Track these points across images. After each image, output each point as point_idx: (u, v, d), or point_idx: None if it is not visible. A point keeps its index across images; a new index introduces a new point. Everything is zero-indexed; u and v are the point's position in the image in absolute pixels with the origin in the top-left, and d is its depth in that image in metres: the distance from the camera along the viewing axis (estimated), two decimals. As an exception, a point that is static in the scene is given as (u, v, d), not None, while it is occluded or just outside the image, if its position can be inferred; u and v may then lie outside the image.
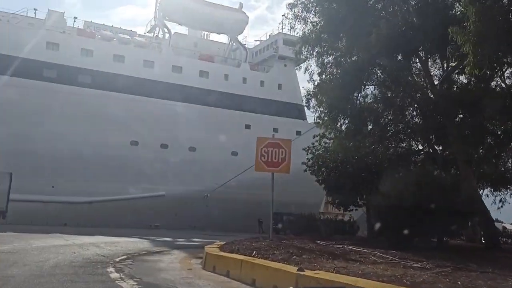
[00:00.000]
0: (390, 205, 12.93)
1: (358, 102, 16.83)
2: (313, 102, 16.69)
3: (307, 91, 18.40)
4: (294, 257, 7.45)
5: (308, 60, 16.97)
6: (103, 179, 34.81)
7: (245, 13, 46.30)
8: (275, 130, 43.48)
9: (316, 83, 16.52)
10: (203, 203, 37.89)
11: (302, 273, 5.36)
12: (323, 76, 16.31)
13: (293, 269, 5.90)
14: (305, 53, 17.13)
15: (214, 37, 48.82)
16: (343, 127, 16.53)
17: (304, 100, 18.31)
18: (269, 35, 47.49)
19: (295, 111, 45.10)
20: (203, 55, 42.46)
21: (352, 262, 7.40)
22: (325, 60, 16.91)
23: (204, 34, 48.56)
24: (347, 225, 24.07)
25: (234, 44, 46.39)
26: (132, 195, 35.29)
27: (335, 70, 16.54)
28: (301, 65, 17.72)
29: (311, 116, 47.90)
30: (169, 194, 36.88)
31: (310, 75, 16.63)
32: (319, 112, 16.58)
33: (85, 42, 37.04)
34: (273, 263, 6.75)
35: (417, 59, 16.57)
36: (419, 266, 7.11)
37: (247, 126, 41.99)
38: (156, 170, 36.58)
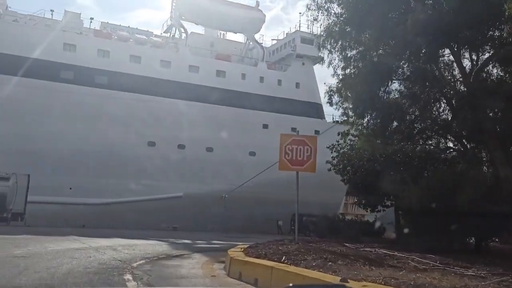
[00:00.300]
0: (423, 206, 12.09)
1: (384, 97, 15.98)
2: (336, 98, 15.86)
3: (329, 87, 17.57)
4: (330, 263, 6.70)
5: (332, 54, 16.15)
6: (120, 180, 34.55)
7: (261, 11, 45.70)
8: (293, 129, 42.77)
9: (340, 77, 15.66)
10: (220, 204, 37.41)
11: (347, 284, 4.61)
12: (347, 71, 15.47)
13: (333, 278, 5.17)
14: (328, 46, 16.33)
15: (230, 36, 48.37)
16: (370, 124, 15.64)
17: (326, 97, 17.45)
18: (286, 34, 46.75)
19: (314, 110, 44.28)
20: (220, 55, 41.91)
21: (393, 269, 6.63)
22: (349, 54, 16.11)
23: (220, 34, 48.05)
24: (372, 226, 23.10)
25: (251, 43, 45.77)
26: (149, 197, 34.90)
27: (360, 64, 15.70)
28: (324, 58, 16.83)
29: (329, 115, 47.28)
30: (186, 195, 36.45)
31: (334, 69, 15.81)
32: (344, 108, 15.75)
33: (101, 43, 36.83)
34: (309, 271, 6.01)
35: (446, 51, 15.63)
36: (473, 274, 6.30)
37: (265, 126, 41.32)
38: (173, 171, 36.21)
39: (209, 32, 46.20)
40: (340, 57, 15.37)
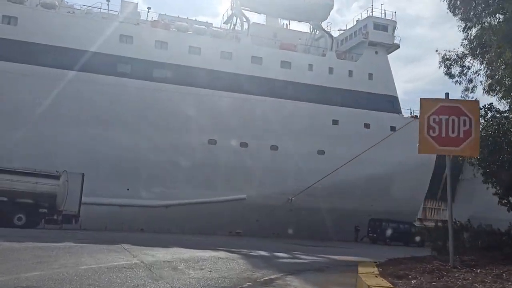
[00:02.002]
0: None
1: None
2: (469, 61, 11.61)
3: (443, 56, 13.41)
4: None
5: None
6: (178, 181, 31.97)
7: (329, -4, 41.54)
8: (366, 125, 38.60)
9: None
10: (286, 207, 33.72)
11: None
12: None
13: None
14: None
15: (294, 26, 44.68)
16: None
17: (442, 67, 13.27)
18: (357, 21, 42.38)
19: (389, 104, 39.67)
20: (284, 44, 38.32)
21: None
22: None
23: (283, 24, 44.55)
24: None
25: (317, 32, 41.84)
26: (211, 199, 32.01)
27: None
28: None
29: (406, 109, 42.37)
30: (250, 198, 33.22)
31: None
32: (486, 76, 11.44)
33: (159, 34, 34.44)
34: None
35: None
36: None
37: (335, 122, 37.30)
38: (235, 171, 33.14)
39: (271, 22, 42.79)
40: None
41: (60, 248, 10.12)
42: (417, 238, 32.63)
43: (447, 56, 13.33)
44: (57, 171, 23.46)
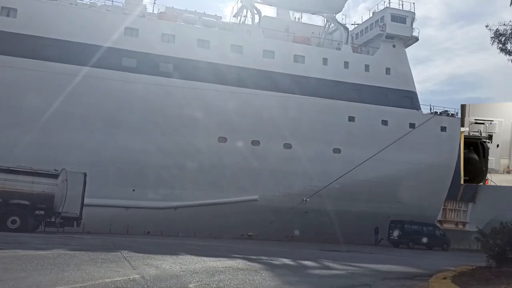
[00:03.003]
0: None
1: None
2: None
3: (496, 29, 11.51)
4: None
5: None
6: (187, 181, 30.22)
7: (343, -12, 39.63)
8: (384, 122, 36.65)
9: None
10: (301, 209, 31.83)
11: None
12: None
13: None
14: None
15: (306, 20, 42.74)
16: None
17: (496, 43, 11.35)
18: (373, 13, 40.34)
19: (407, 100, 37.72)
20: (297, 37, 36.39)
21: None
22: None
23: (295, 18, 42.63)
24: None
25: (331, 26, 39.88)
26: (221, 200, 30.26)
27: None
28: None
29: (426, 105, 40.31)
30: (262, 199, 31.34)
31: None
32: None
33: (166, 27, 32.68)
34: None
35: None
36: None
37: (351, 118, 35.38)
38: (246, 170, 31.37)
39: (282, 16, 40.95)
40: None
41: (43, 258, 8.27)
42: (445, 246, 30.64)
43: (501, 31, 11.42)
44: (55, 170, 21.53)
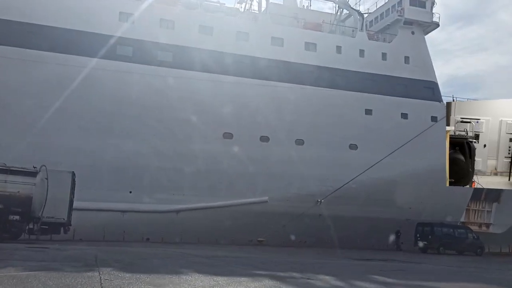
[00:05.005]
0: None
1: None
2: None
3: None
4: None
5: None
6: (188, 181, 27.28)
7: (356, -29, 36.76)
8: (404, 115, 33.65)
9: None
10: (314, 211, 28.97)
11: None
12: None
13: None
14: None
15: (315, 7, 39.79)
16: None
17: None
18: (390, -3, 37.27)
19: (428, 91, 34.78)
20: (308, 23, 33.40)
21: None
22: None
23: (302, 5, 39.64)
24: None
25: (343, 12, 36.88)
26: (228, 202, 27.35)
27: None
28: None
29: (448, 96, 37.31)
30: (272, 200, 28.29)
31: None
32: None
33: (164, 12, 29.74)
34: None
35: None
36: None
37: (368, 112, 32.46)
38: (255, 169, 28.41)
39: (289, 3, 37.92)
40: None
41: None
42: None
43: None
44: (34, 167, 18.27)
